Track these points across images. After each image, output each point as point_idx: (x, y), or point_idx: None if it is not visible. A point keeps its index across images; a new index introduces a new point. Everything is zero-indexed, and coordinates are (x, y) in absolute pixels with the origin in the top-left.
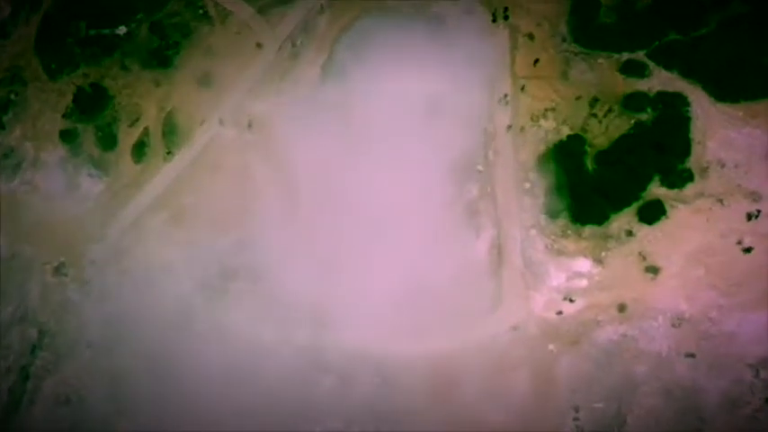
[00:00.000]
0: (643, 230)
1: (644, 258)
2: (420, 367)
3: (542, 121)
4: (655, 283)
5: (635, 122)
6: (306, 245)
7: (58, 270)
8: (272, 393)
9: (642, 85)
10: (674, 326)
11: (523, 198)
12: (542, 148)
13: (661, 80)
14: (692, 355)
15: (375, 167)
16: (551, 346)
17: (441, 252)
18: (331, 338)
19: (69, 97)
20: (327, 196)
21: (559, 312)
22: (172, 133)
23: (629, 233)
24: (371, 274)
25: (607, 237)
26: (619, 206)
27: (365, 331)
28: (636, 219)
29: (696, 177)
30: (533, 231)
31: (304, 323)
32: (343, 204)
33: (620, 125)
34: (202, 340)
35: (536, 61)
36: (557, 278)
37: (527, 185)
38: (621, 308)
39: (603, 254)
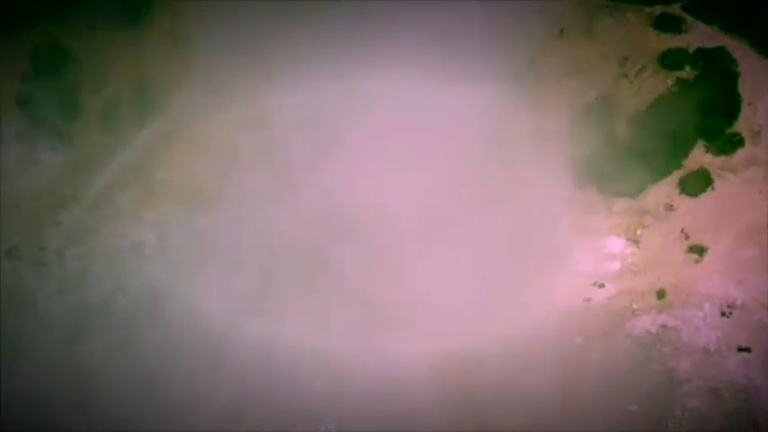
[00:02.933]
0: (685, 204)
1: (687, 236)
2: (425, 365)
3: (565, 83)
4: (700, 266)
5: (673, 82)
6: (296, 228)
7: (11, 253)
8: (259, 391)
9: (678, 41)
10: (723, 315)
11: (544, 169)
12: (566, 112)
13: (700, 36)
14: (746, 350)
15: (376, 145)
16: (578, 339)
17: (448, 236)
18: (323, 333)
19: (27, 60)
20: (323, 176)
21: (587, 300)
22: (144, 100)
23: (669, 207)
24: (369, 263)
25: (643, 212)
26: (657, 176)
27: (363, 326)
28: (677, 190)
29: (746, 143)
30: (556, 206)
31: (292, 315)
32: (340, 187)
33: (655, 85)
34: (176, 330)
35: (561, 32)
36: (584, 260)
37: (549, 155)
38: (661, 294)
39: (639, 231)
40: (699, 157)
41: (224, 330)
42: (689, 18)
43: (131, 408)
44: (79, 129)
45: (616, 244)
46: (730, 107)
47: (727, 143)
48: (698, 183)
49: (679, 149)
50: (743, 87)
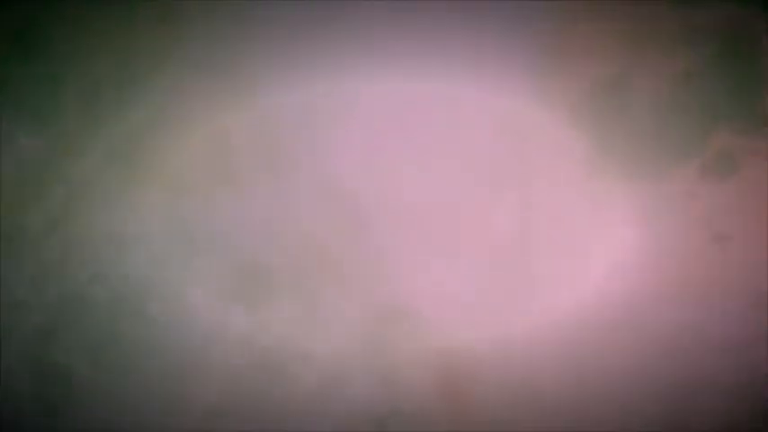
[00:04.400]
0: (708, 189)
1: (710, 224)
2: (426, 366)
3: (580, 63)
4: (724, 255)
5: (692, 59)
6: (292, 218)
7: None
8: (249, 390)
9: (697, 16)
10: (751, 307)
11: (557, 155)
12: (578, 91)
13: (720, 10)
14: None
15: (381, 136)
16: (592, 335)
17: (454, 228)
18: (316, 327)
19: (3, 37)
20: (324, 165)
21: (602, 293)
22: (128, 80)
23: (691, 192)
24: (371, 257)
25: (662, 197)
26: (677, 159)
27: (357, 319)
28: (699, 174)
29: None
30: (568, 193)
31: (284, 308)
32: (342, 177)
33: (673, 63)
34: (159, 326)
35: (577, 10)
36: (598, 251)
37: (562, 140)
38: (682, 285)
39: (658, 219)
40: (722, 138)
41: (211, 326)
42: None
43: (110, 408)
44: (58, 110)
45: (633, 233)
46: (756, 86)
47: (753, 124)
48: (722, 166)
49: (701, 131)
50: None
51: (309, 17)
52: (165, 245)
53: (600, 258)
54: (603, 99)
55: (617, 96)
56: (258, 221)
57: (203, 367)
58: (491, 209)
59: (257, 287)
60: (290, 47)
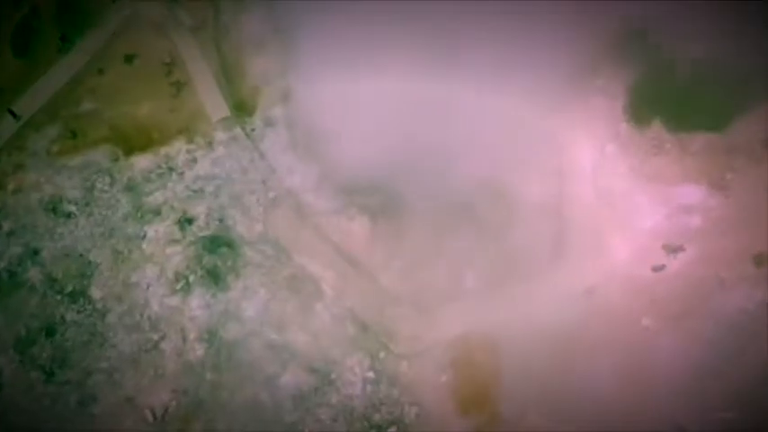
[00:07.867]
0: None
1: None
2: (438, 354)
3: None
4: None
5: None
6: (272, 175)
7: None
8: (207, 390)
9: None
10: None
11: (594, 100)
12: (617, 28)
13: None
14: None
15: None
16: (646, 321)
17: (468, 184)
18: (298, 316)
19: None
20: (300, 124)
21: (658, 268)
22: (70, 13)
23: (766, 143)
24: (364, 229)
25: (731, 150)
26: (746, 103)
27: (354, 298)
28: None
29: None
30: (611, 147)
31: (257, 290)
32: (318, 130)
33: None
34: (105, 312)
35: None
36: (652, 215)
37: (599, 82)
38: (758, 260)
39: (727, 176)
40: None
41: (166, 312)
42: None
43: (42, 412)
44: None
45: (695, 193)
46: None
47: None
48: None
49: None
50: None
51: None
52: (112, 213)
53: (652, 224)
54: (650, 45)
55: (667, 43)
56: (228, 182)
57: (157, 362)
58: (524, 168)
59: (224, 265)
60: None
